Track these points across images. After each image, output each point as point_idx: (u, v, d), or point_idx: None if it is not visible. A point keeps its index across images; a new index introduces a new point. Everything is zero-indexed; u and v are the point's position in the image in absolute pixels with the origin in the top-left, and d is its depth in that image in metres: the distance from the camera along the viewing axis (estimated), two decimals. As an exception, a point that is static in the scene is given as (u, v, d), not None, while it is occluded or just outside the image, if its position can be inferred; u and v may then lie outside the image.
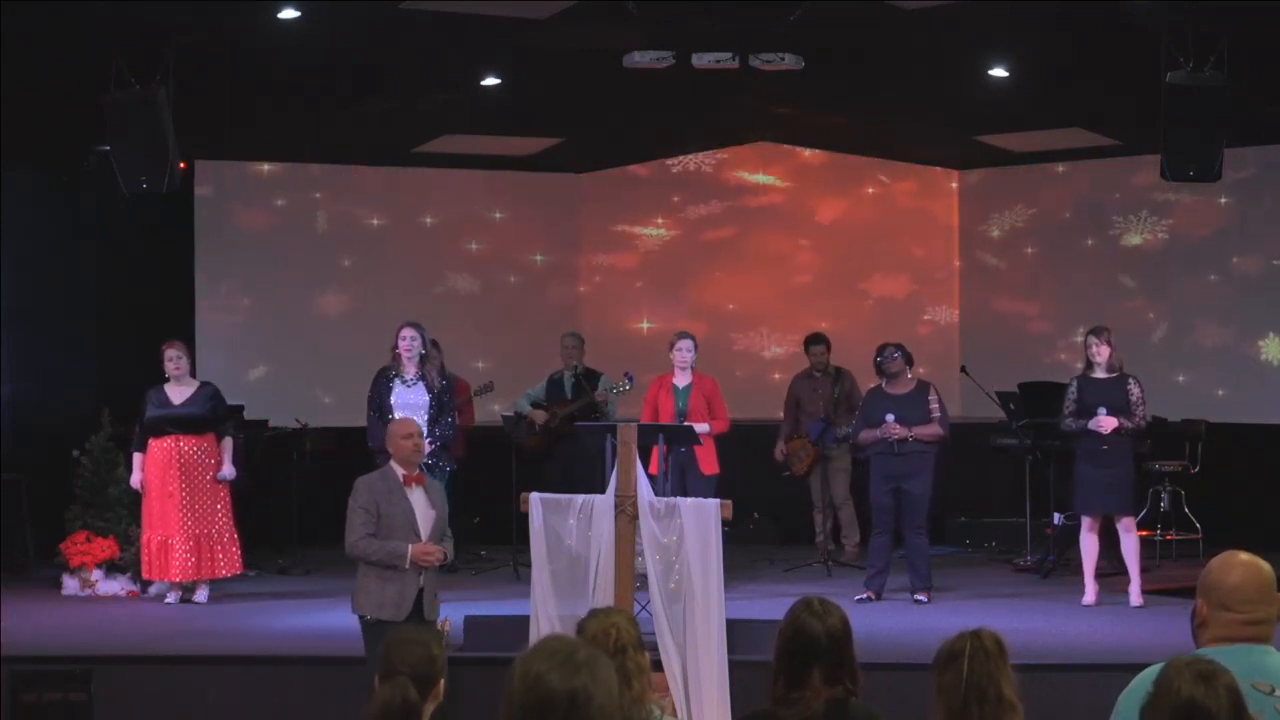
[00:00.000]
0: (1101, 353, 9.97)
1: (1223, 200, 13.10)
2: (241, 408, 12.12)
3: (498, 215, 14.37)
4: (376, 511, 7.37)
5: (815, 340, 12.16)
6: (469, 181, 14.20)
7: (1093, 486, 9.97)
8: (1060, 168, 14.02)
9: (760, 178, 14.81)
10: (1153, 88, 9.46)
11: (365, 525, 7.38)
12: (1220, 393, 12.95)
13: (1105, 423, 9.85)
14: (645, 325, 14.55)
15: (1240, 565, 3.81)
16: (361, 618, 7.45)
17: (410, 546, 7.34)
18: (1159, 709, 3.25)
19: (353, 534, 7.41)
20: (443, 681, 4.09)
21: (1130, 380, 9.99)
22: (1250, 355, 13.03)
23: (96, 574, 10.70)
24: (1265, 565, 3.83)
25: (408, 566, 7.35)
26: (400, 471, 7.46)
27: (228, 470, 10.41)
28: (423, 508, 7.45)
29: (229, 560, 10.40)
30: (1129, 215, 13.66)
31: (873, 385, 10.62)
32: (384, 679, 3.99)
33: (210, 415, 10.41)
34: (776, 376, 14.44)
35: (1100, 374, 10.01)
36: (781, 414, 12.24)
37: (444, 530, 7.58)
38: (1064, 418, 10.12)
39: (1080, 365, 10.39)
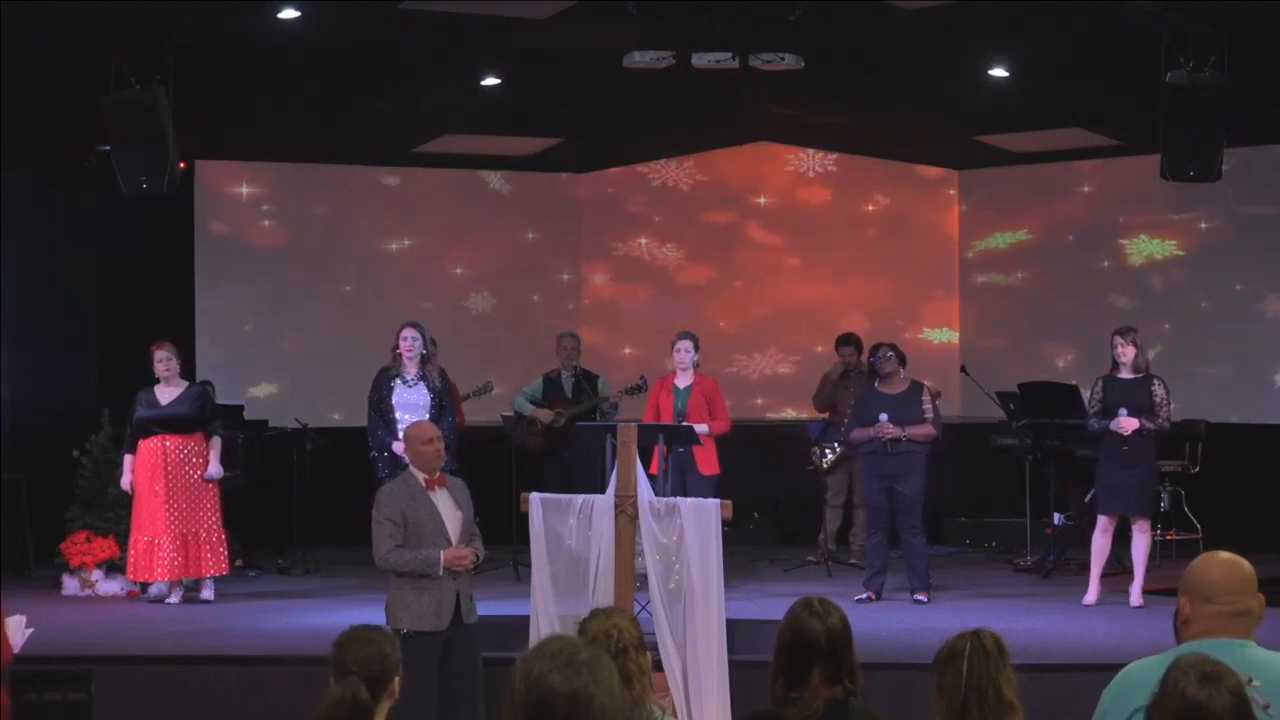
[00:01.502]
0: (1127, 353, 9.95)
1: (1228, 211, 13.06)
2: (241, 407, 12.13)
3: (497, 217, 14.36)
4: (403, 521, 7.16)
5: (845, 341, 12.12)
6: (468, 181, 14.20)
7: (1114, 486, 9.95)
8: (1060, 169, 14.00)
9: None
10: (1153, 88, 9.46)
11: (393, 537, 7.15)
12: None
13: (1126, 424, 9.84)
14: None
15: (1222, 561, 3.87)
16: (397, 631, 7.19)
17: (442, 553, 7.15)
18: (1164, 710, 3.25)
19: (381, 547, 7.17)
20: (397, 680, 4.09)
21: (1155, 381, 9.95)
22: (1257, 369, 12.97)
23: (96, 574, 10.71)
24: (1245, 562, 3.89)
25: (441, 574, 7.17)
26: (421, 476, 7.29)
27: (214, 469, 10.40)
28: (449, 510, 7.28)
29: (216, 560, 10.39)
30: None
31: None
32: (336, 678, 3.99)
33: (197, 415, 10.40)
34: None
35: (1125, 374, 9.98)
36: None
37: (472, 530, 7.40)
38: (1088, 418, 10.12)
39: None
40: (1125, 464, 9.90)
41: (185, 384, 10.55)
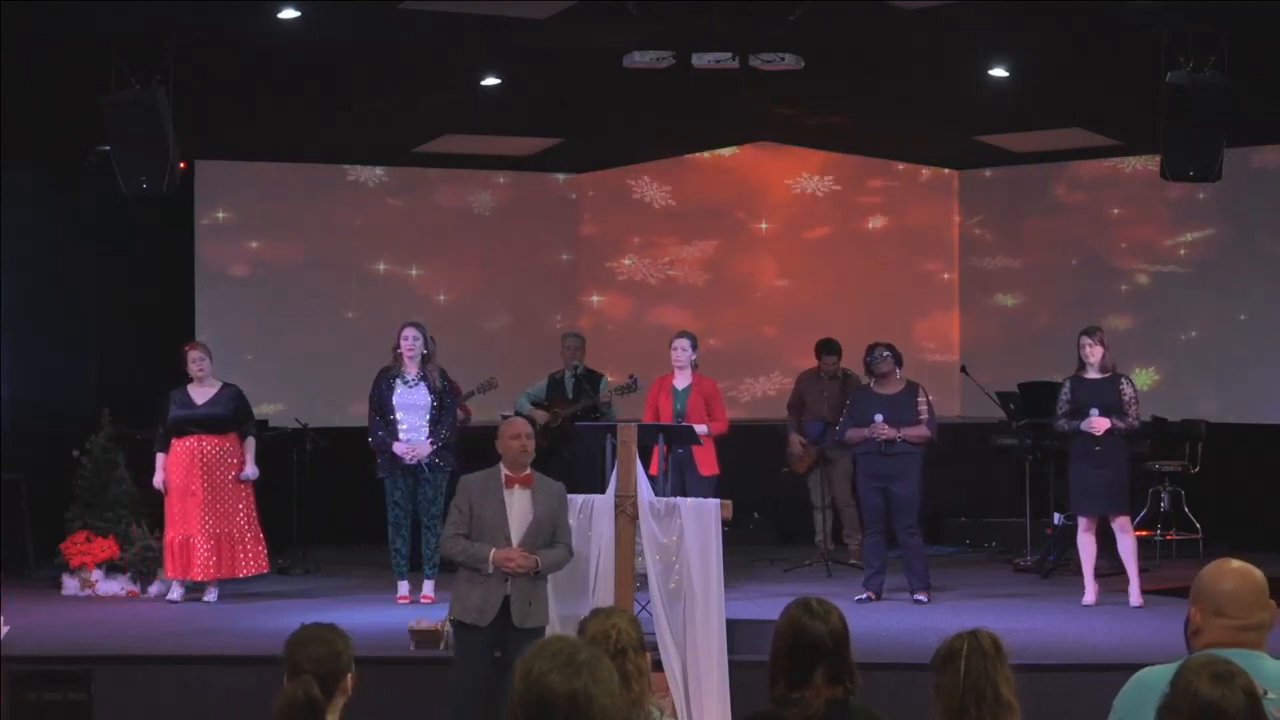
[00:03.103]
0: (1094, 353, 9.97)
1: (1229, 212, 12.99)
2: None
3: (495, 217, 14.35)
4: (470, 511, 7.20)
5: (828, 350, 12.09)
6: (468, 181, 14.19)
7: (1087, 487, 9.97)
8: (1060, 177, 13.96)
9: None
10: (1153, 88, 9.46)
11: (457, 525, 7.22)
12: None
13: (1097, 424, 9.85)
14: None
15: (1233, 572, 3.82)
16: (451, 621, 7.28)
17: (493, 551, 7.12)
18: (1176, 711, 3.24)
19: (445, 531, 7.34)
20: (350, 676, 4.09)
21: (1123, 380, 9.99)
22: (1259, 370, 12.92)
23: (96, 574, 10.71)
24: (1258, 572, 3.85)
25: (490, 571, 7.13)
26: (505, 472, 7.25)
27: (250, 470, 10.44)
28: (520, 510, 7.20)
29: (252, 559, 10.44)
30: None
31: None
32: (289, 677, 3.99)
33: (233, 416, 10.46)
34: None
35: (1093, 374, 10.00)
36: (786, 411, 12.24)
37: (549, 536, 7.24)
38: (1057, 419, 10.13)
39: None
40: (1097, 464, 9.91)
41: (219, 384, 10.56)
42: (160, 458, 10.42)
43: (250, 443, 10.51)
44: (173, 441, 10.36)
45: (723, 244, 14.71)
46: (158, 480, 10.40)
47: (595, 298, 14.68)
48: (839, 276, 14.60)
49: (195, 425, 10.33)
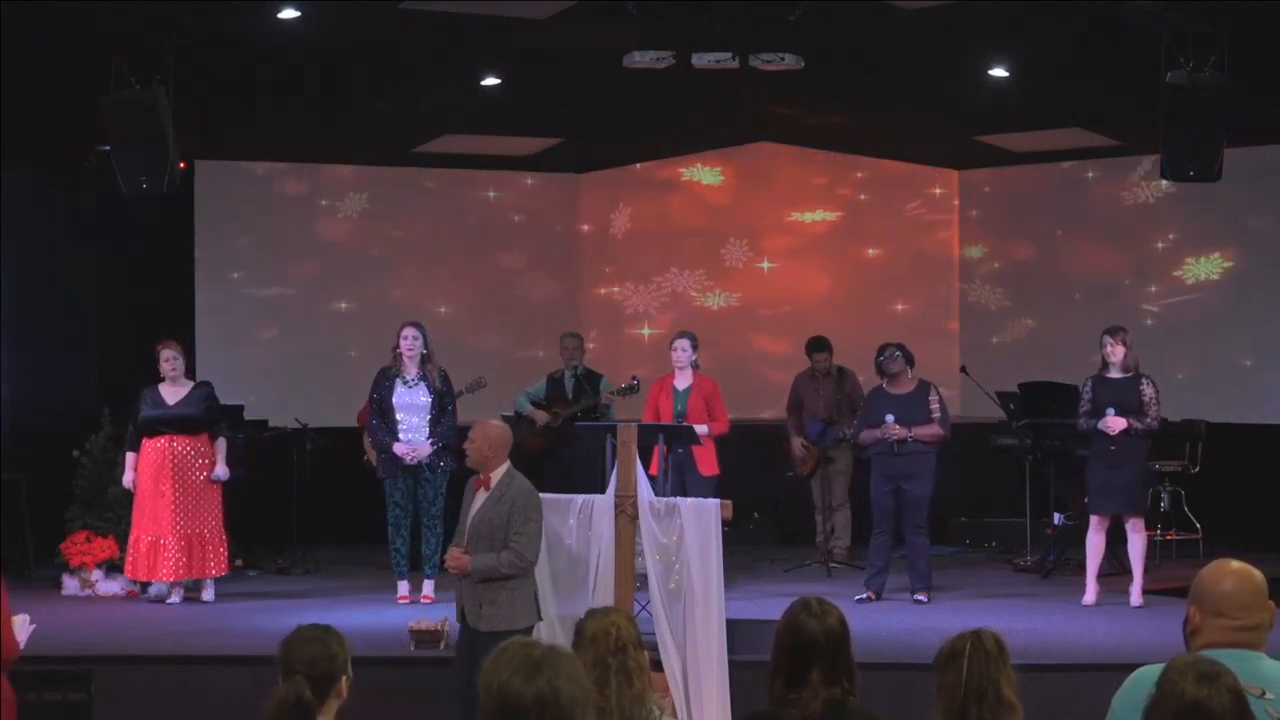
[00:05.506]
0: (1116, 353, 9.94)
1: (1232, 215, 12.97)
2: (241, 407, 12.13)
3: (495, 222, 14.35)
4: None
5: (818, 346, 12.08)
6: (468, 182, 14.19)
7: (1103, 486, 9.95)
8: (1060, 169, 13.96)
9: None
10: (1153, 88, 9.46)
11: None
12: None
13: (1113, 424, 9.83)
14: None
15: (1233, 573, 3.83)
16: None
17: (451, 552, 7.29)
18: (1162, 710, 3.24)
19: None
20: (346, 679, 4.07)
21: (1144, 380, 9.94)
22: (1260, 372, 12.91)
23: (96, 574, 10.71)
24: (1257, 573, 3.86)
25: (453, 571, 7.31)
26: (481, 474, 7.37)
27: (221, 471, 10.38)
28: (472, 511, 7.26)
29: (218, 561, 10.37)
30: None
31: (875, 385, 10.62)
32: (282, 678, 3.98)
33: (204, 416, 10.38)
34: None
35: (1115, 374, 9.97)
36: (786, 414, 12.23)
37: (493, 540, 7.15)
38: (1078, 418, 10.12)
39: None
40: (1113, 464, 9.89)
41: (191, 384, 10.51)
42: (130, 457, 10.34)
43: (221, 443, 10.43)
44: (144, 441, 10.30)
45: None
46: (127, 479, 10.34)
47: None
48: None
49: (166, 425, 10.25)
